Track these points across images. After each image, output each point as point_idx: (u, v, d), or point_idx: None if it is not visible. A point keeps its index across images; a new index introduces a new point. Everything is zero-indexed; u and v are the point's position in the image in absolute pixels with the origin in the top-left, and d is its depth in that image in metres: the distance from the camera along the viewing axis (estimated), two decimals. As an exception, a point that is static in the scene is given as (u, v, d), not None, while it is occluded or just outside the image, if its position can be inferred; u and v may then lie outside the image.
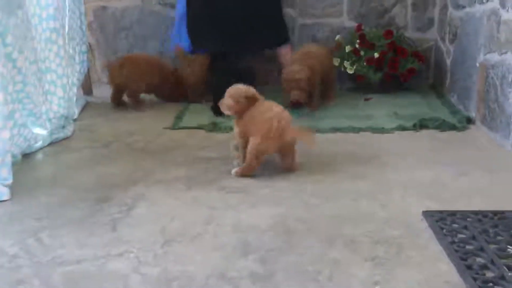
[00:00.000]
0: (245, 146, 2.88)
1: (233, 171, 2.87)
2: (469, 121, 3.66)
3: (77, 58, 4.01)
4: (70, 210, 2.47)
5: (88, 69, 4.43)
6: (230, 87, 2.93)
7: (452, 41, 4.20)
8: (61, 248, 2.14)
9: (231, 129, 3.56)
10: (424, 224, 2.31)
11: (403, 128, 3.61)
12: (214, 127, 3.65)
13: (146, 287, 1.89)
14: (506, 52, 3.20)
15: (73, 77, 3.87)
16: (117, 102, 4.22)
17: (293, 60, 4.02)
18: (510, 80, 3.14)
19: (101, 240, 2.21)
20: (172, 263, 2.04)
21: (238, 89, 2.90)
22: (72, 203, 2.55)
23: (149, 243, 2.18)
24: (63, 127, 3.53)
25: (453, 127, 3.58)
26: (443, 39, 4.47)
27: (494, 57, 3.35)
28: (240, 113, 2.91)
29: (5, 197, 2.56)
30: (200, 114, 3.98)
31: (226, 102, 2.91)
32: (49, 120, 3.36)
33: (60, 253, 2.11)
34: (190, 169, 2.95)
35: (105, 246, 2.16)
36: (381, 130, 3.58)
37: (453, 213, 2.38)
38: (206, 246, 2.17)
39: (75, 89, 3.88)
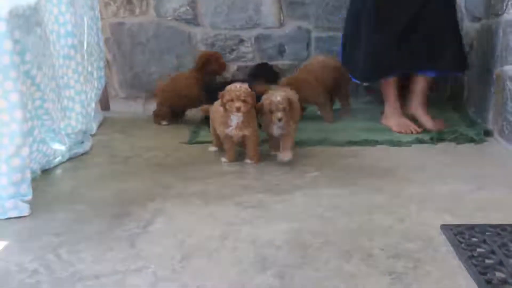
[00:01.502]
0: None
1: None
2: (487, 133, 3.64)
3: (95, 74, 4.05)
4: (89, 226, 2.49)
5: (106, 85, 4.46)
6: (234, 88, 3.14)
7: (468, 53, 4.19)
8: (80, 263, 2.16)
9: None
10: (442, 238, 2.30)
11: (420, 141, 3.60)
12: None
13: (164, 303, 1.90)
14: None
15: (91, 92, 3.91)
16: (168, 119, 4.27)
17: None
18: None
19: (119, 255, 2.23)
20: (190, 278, 2.05)
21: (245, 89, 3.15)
22: (91, 218, 2.57)
23: (167, 259, 2.19)
24: (82, 142, 3.56)
25: (471, 140, 3.56)
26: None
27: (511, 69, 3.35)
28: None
29: (25, 213, 2.59)
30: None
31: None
32: (68, 135, 3.39)
33: (79, 268, 2.13)
34: (206, 184, 2.96)
35: (123, 261, 2.17)
36: (398, 143, 3.57)
37: (471, 227, 2.36)
38: (224, 261, 2.17)
39: (93, 105, 3.92)
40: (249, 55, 4.95)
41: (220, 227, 2.46)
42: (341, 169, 3.14)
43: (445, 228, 2.36)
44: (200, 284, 2.00)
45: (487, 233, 2.30)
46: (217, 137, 3.40)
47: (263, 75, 4.37)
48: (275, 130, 3.27)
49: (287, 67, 4.92)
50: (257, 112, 3.27)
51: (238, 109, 3.10)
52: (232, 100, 3.10)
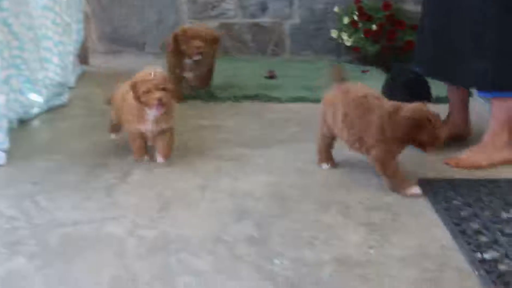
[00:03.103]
0: None
1: None
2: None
3: (73, 26, 3.97)
4: (66, 175, 2.47)
5: (85, 39, 4.39)
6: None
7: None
8: (57, 211, 2.15)
9: (228, 99, 3.59)
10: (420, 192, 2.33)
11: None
12: (210, 97, 3.64)
13: (142, 250, 1.90)
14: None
15: (70, 45, 3.84)
16: None
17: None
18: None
19: (97, 204, 2.22)
20: (169, 227, 2.05)
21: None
22: (68, 168, 2.55)
23: (146, 208, 2.19)
24: (60, 94, 3.51)
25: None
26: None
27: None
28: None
29: (1, 161, 2.56)
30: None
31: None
32: (46, 87, 3.34)
33: (57, 215, 2.12)
34: (184, 137, 2.94)
35: (101, 210, 2.17)
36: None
37: (448, 181, 2.39)
38: (203, 212, 2.18)
39: (71, 57, 3.86)
40: (231, 12, 4.89)
41: (199, 179, 2.46)
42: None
43: (423, 182, 2.39)
44: (179, 233, 2.01)
45: (463, 187, 2.33)
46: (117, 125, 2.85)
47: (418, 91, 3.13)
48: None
49: (270, 25, 4.87)
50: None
51: (160, 102, 2.50)
52: (149, 92, 2.50)
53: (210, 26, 4.11)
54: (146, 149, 2.67)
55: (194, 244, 1.93)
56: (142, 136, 2.64)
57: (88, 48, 4.61)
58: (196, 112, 3.38)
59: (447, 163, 2.60)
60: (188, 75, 3.58)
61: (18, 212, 2.14)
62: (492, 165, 2.57)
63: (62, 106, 3.46)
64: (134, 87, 2.52)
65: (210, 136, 2.99)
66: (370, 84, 3.83)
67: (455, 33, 2.65)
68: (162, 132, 2.62)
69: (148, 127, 2.59)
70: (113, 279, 1.74)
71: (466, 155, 2.63)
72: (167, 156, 2.65)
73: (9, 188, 2.34)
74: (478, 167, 2.55)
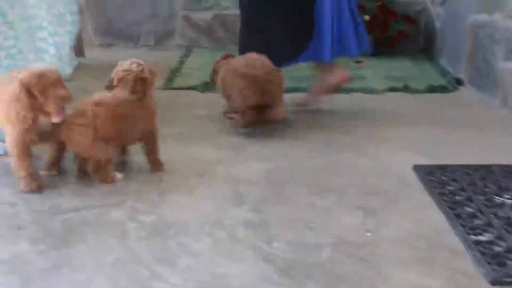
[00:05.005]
0: None
1: None
2: (459, 82, 3.71)
3: (68, 17, 3.97)
4: (66, 163, 2.49)
5: (80, 31, 4.40)
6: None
7: (442, 4, 4.23)
8: (59, 198, 2.18)
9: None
10: (414, 177, 2.36)
11: (393, 90, 3.65)
12: (206, 87, 3.66)
13: (142, 233, 1.93)
14: (494, 13, 3.25)
15: (65, 36, 3.85)
16: None
17: None
18: (496, 38, 3.19)
19: (97, 191, 2.25)
20: (168, 211, 2.09)
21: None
22: (68, 157, 2.57)
23: (145, 194, 2.22)
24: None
25: (443, 89, 3.63)
26: (432, 2, 4.48)
27: (483, 18, 3.39)
28: None
29: (1, 151, 2.58)
30: (191, 76, 4.00)
31: None
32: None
33: (58, 202, 2.15)
34: (182, 127, 2.97)
35: (102, 196, 2.20)
36: (372, 91, 3.62)
37: (442, 167, 2.43)
38: (201, 197, 2.21)
39: (67, 49, 3.86)
40: (225, 3, 4.90)
41: (197, 165, 2.49)
42: (316, 114, 3.17)
43: (417, 168, 2.43)
44: (178, 217, 2.04)
45: (457, 173, 2.37)
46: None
47: None
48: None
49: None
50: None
51: (64, 100, 2.15)
52: (45, 89, 2.13)
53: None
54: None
55: (193, 227, 1.97)
56: None
57: (83, 40, 4.62)
58: (191, 101, 3.42)
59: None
60: None
61: (20, 199, 2.16)
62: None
63: (58, 97, 3.46)
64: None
65: (207, 125, 3.01)
66: (364, 74, 3.93)
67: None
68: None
69: None
70: (116, 261, 1.77)
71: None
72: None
73: (10, 176, 2.35)
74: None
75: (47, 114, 2.13)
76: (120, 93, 2.37)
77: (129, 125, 2.35)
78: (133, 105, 2.35)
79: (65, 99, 2.12)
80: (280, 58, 3.00)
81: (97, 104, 2.28)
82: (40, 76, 2.10)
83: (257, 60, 2.83)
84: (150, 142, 2.46)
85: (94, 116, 2.24)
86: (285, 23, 3.01)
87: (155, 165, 2.46)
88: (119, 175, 2.36)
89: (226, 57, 3.12)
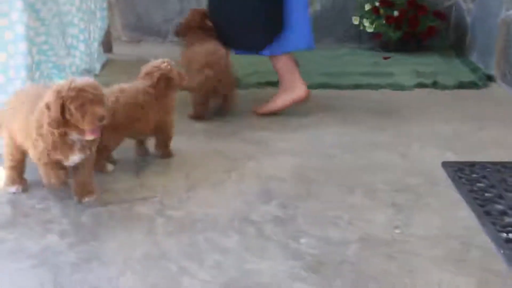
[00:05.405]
0: None
1: None
2: (490, 78, 3.66)
3: (98, 14, 4.02)
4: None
5: (108, 27, 4.43)
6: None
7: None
8: (87, 192, 2.20)
9: (251, 85, 3.61)
10: (443, 174, 2.34)
11: (423, 86, 3.61)
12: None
13: (171, 228, 1.94)
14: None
15: (94, 33, 3.89)
16: None
17: None
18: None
19: (126, 185, 2.27)
20: (196, 206, 2.09)
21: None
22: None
23: (173, 189, 2.23)
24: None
25: (473, 85, 3.58)
26: (464, -3, 4.43)
27: (517, 13, 3.35)
28: None
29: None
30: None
31: None
32: (72, 74, 3.39)
33: (87, 196, 2.17)
34: (210, 122, 2.98)
35: (129, 191, 2.22)
36: (401, 87, 3.59)
37: (472, 164, 2.40)
38: (229, 192, 2.22)
39: (96, 45, 3.91)
40: None
41: (225, 161, 2.49)
42: (345, 110, 3.16)
43: (446, 165, 2.40)
44: (206, 212, 2.05)
45: (487, 170, 2.34)
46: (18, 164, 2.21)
47: None
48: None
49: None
50: None
51: (101, 120, 1.98)
52: (83, 105, 1.95)
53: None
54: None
55: (221, 223, 1.98)
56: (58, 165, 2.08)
57: (111, 36, 4.65)
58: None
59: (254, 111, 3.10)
60: None
61: (48, 193, 2.19)
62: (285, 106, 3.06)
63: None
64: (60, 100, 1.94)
65: (235, 120, 3.02)
66: (393, 70, 3.90)
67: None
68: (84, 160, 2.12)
69: (72, 158, 2.07)
70: (144, 256, 1.78)
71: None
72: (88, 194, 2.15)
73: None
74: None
75: (81, 131, 2.00)
76: (142, 84, 2.43)
77: (142, 116, 2.38)
78: (149, 96, 2.40)
79: (102, 119, 1.99)
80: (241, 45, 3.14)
81: (116, 91, 2.37)
82: (80, 91, 1.95)
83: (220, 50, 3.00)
84: (162, 136, 2.51)
85: (114, 102, 2.29)
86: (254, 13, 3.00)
87: (163, 154, 2.54)
88: (110, 167, 2.40)
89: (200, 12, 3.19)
